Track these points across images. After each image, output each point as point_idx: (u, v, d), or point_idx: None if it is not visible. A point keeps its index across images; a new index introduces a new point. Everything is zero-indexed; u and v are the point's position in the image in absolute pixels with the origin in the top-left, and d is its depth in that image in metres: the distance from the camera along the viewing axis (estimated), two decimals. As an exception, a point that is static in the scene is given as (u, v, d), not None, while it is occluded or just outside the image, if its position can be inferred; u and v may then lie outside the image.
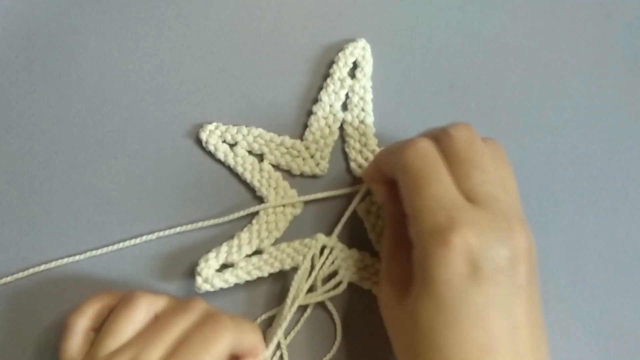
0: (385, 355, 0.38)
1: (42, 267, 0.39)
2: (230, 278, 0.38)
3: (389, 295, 0.34)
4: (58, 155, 0.40)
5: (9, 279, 0.39)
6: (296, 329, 0.39)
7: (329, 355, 0.38)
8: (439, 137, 0.33)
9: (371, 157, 0.40)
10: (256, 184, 0.40)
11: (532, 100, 0.41)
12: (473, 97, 0.41)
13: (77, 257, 0.39)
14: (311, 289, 0.39)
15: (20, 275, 0.39)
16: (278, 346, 0.38)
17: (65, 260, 0.39)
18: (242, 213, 0.39)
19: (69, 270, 0.39)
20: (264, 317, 0.39)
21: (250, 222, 0.39)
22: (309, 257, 0.38)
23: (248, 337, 0.34)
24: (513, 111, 0.41)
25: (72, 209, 0.40)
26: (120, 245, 0.39)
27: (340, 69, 0.40)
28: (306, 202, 0.40)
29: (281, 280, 0.39)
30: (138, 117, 0.41)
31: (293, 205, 0.40)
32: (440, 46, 0.42)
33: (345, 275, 0.39)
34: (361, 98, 0.40)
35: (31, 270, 0.39)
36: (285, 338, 0.39)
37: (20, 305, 0.39)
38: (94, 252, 0.39)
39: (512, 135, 0.41)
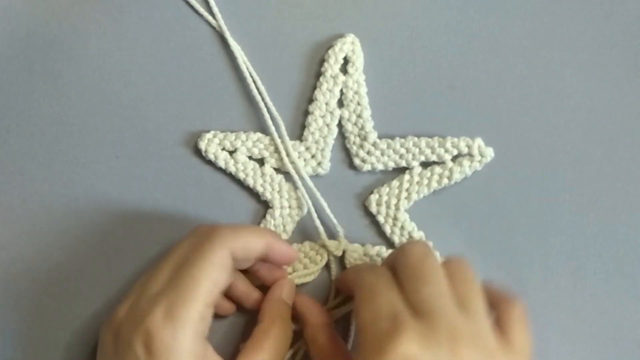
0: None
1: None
2: None
3: None
4: (58, 155, 0.40)
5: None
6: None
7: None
8: (395, 254, 0.34)
9: (373, 150, 0.40)
10: (259, 188, 0.40)
11: (532, 100, 0.41)
12: (473, 97, 0.41)
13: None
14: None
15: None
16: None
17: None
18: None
19: (64, 268, 0.39)
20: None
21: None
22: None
23: (249, 240, 0.35)
24: (513, 111, 0.41)
25: (71, 209, 0.40)
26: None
27: (332, 66, 0.40)
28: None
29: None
30: (138, 118, 0.41)
31: (299, 206, 0.40)
32: (440, 46, 0.42)
33: None
34: (356, 92, 0.40)
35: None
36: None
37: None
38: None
39: (512, 135, 0.41)
